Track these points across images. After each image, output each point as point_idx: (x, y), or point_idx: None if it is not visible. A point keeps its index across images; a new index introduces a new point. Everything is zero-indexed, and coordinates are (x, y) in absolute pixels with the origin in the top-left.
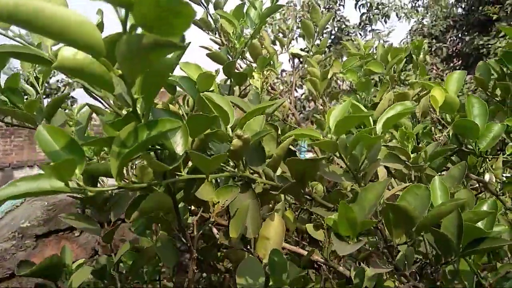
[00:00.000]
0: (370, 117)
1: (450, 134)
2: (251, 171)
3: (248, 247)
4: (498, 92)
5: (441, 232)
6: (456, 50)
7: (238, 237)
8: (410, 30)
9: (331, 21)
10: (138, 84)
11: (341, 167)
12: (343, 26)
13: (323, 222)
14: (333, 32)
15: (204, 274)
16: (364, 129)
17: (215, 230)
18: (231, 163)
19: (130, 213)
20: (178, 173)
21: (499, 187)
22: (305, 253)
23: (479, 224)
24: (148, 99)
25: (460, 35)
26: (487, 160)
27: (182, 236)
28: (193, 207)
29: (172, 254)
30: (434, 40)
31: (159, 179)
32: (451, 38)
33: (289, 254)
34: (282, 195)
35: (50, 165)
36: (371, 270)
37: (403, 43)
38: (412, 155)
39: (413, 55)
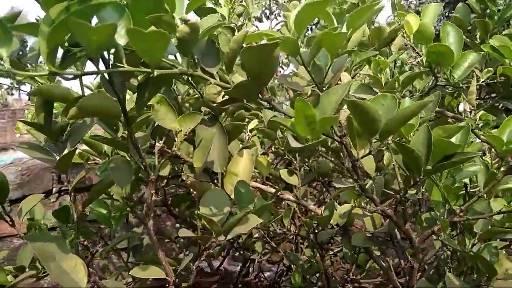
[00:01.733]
0: (335, 19)
1: (424, 61)
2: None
3: (216, 183)
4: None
5: (407, 146)
6: None
7: (202, 167)
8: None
9: None
10: None
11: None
12: None
13: (295, 162)
14: None
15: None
16: (327, 29)
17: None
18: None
19: (68, 108)
20: (120, 64)
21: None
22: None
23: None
24: None
25: (447, 13)
26: (462, 91)
27: (138, 155)
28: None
29: (127, 174)
30: None
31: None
32: (438, 16)
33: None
34: (258, 142)
35: None
36: (335, 184)
37: (390, 19)
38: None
39: None
